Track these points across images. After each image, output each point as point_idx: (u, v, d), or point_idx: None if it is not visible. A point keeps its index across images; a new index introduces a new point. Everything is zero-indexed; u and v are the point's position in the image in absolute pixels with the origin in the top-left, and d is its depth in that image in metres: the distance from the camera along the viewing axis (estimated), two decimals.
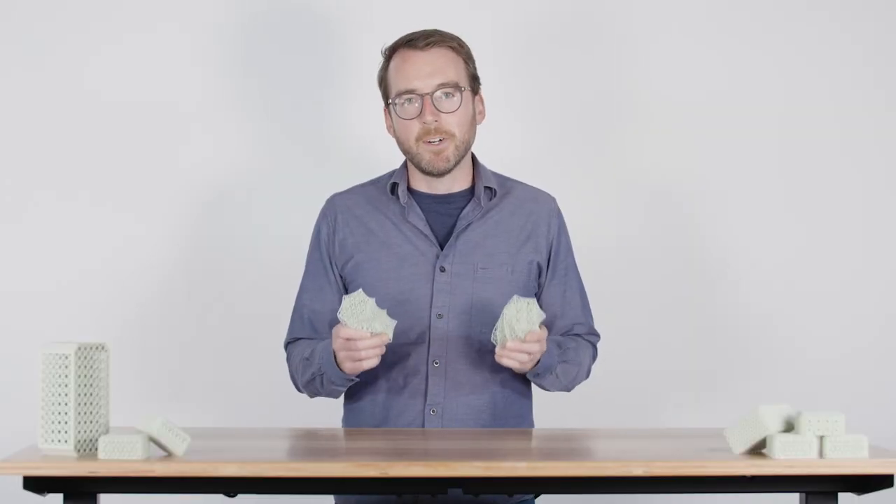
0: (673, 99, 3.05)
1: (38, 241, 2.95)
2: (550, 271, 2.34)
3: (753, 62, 3.06)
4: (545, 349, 2.13)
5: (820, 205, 3.06)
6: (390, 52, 2.28)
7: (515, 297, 2.08)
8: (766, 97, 3.06)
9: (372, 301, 2.07)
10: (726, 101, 3.05)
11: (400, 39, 2.28)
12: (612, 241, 3.03)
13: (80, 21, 2.96)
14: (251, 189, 2.99)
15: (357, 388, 2.28)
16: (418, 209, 2.29)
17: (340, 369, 2.13)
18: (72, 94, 2.96)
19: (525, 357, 2.09)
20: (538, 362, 2.14)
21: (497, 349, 2.09)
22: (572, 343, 2.30)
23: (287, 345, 2.35)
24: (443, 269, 2.25)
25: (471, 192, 2.33)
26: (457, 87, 2.24)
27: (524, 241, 2.31)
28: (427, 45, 2.24)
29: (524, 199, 2.36)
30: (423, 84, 2.22)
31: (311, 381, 2.23)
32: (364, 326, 2.05)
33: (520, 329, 2.05)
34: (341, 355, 2.10)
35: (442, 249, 2.27)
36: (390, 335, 2.08)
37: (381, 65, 2.30)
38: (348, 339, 2.06)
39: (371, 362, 2.09)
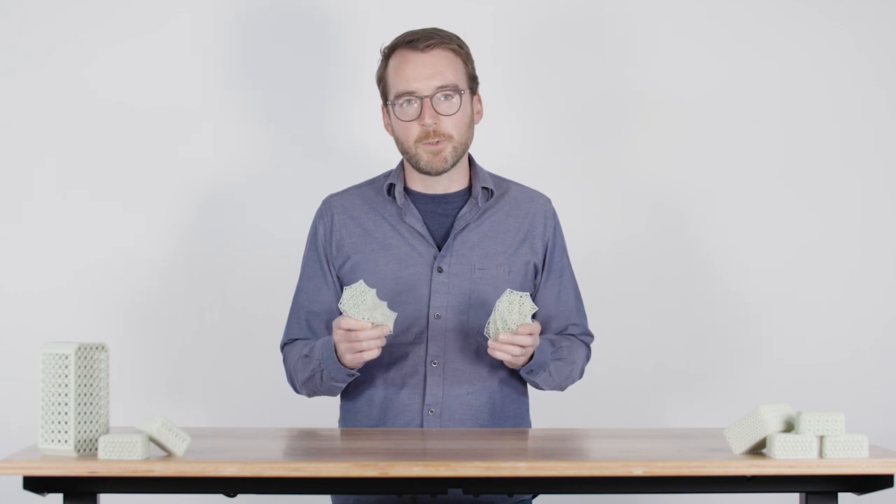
0: (672, 100, 3.04)
1: (38, 241, 2.95)
2: (546, 272, 2.34)
3: (753, 64, 3.06)
4: (538, 344, 2.14)
5: (820, 207, 3.06)
6: (389, 52, 2.26)
7: (508, 290, 2.09)
8: (766, 100, 3.05)
9: (373, 292, 2.06)
10: (725, 102, 3.05)
11: (399, 39, 2.26)
12: (611, 241, 3.03)
13: (82, 22, 2.96)
14: (251, 189, 2.99)
15: (355, 389, 2.28)
16: (415, 210, 2.29)
17: (341, 362, 2.13)
18: (72, 94, 2.96)
19: (517, 350, 2.09)
20: (531, 358, 2.15)
21: (490, 342, 2.09)
22: (566, 342, 2.31)
23: (283, 346, 2.35)
24: (440, 270, 2.25)
25: (467, 192, 2.32)
26: (456, 89, 2.23)
27: (521, 243, 2.31)
28: (427, 46, 2.22)
29: (520, 200, 2.35)
30: (423, 86, 2.21)
31: (310, 378, 2.22)
32: (365, 317, 2.05)
33: (512, 321, 2.07)
34: (342, 347, 2.09)
35: (439, 250, 2.27)
36: (391, 327, 2.08)
37: (379, 63, 2.29)
38: (349, 330, 2.06)
39: (372, 354, 2.08)
